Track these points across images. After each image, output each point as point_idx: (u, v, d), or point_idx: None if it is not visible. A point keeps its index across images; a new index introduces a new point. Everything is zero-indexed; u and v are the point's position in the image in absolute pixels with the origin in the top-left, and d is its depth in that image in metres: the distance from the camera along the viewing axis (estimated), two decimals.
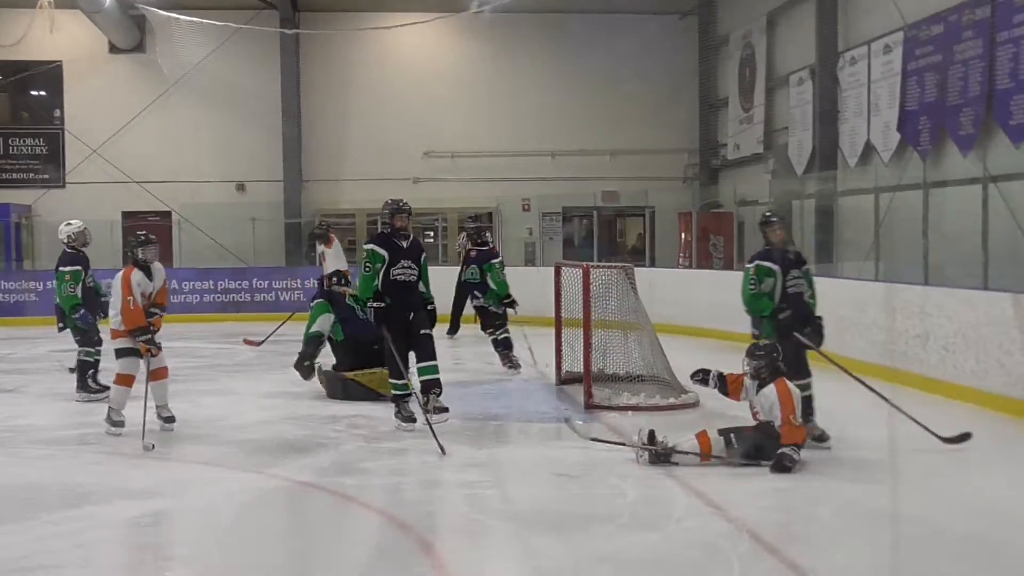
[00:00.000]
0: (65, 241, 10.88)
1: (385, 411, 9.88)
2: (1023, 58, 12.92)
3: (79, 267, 10.68)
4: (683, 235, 21.70)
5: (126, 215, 22.85)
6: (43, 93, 23.36)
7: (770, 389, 7.40)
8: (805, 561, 5.36)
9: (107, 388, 9.80)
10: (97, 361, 10.79)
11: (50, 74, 23.06)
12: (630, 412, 9.50)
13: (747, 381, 7.72)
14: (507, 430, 9.17)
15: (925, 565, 5.46)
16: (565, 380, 11.10)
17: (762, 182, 20.48)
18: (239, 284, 20.52)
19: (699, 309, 15.72)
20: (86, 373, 10.72)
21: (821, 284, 13.88)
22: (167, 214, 22.90)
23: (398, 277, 8.87)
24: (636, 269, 11.13)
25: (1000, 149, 13.29)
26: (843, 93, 17.33)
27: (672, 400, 9.79)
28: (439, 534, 5.98)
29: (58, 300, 10.81)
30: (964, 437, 7.73)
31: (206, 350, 15.34)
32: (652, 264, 21.23)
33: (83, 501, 7.07)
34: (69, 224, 11.07)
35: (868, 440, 8.51)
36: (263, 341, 14.84)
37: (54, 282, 11.02)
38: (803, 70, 18.63)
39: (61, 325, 10.95)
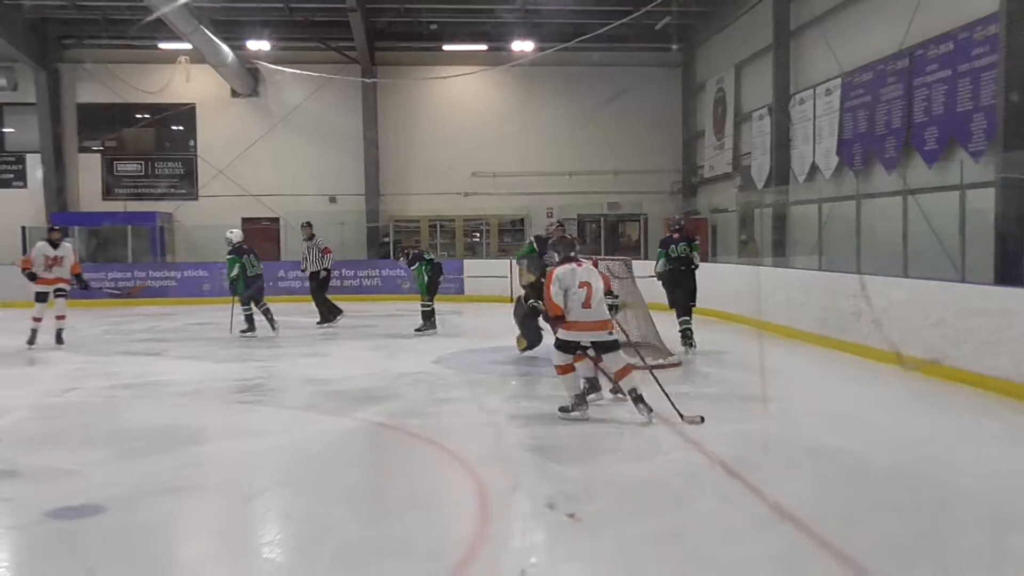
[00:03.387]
0: (231, 239, 13.46)
1: (441, 369, 9.92)
2: (934, 98, 12.79)
3: (234, 256, 13.30)
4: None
5: (244, 220, 22.91)
6: (181, 128, 23.45)
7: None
8: (763, 486, 5.31)
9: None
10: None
11: (186, 113, 23.18)
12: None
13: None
14: (535, 385, 9.15)
15: (855, 489, 5.40)
16: None
17: (730, 195, 20.36)
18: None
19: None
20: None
21: (776, 274, 13.89)
22: (275, 220, 22.98)
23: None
24: (633, 261, 11.05)
25: (917, 169, 13.18)
26: (794, 125, 17.17)
27: (660, 360, 9.72)
28: (480, 462, 5.95)
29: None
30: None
31: (303, 323, 15.40)
32: (646, 257, 21.09)
33: (209, 438, 7.13)
34: (232, 232, 13.74)
35: (811, 393, 8.44)
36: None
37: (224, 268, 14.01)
38: (763, 108, 18.46)
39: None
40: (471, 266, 20.41)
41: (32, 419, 7.63)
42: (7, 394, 8.64)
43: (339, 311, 14.73)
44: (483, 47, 22.44)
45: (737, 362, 10.45)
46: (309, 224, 15.17)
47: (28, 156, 22.79)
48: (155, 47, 21.52)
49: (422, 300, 13.49)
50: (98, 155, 23.22)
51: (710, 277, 15.75)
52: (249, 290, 13.43)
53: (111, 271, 20.16)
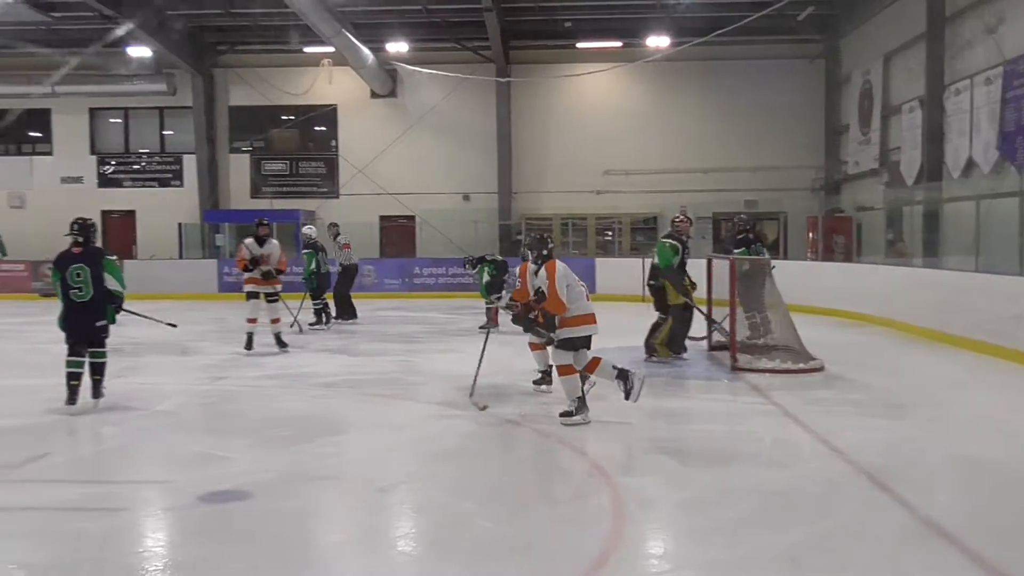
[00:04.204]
0: (309, 235, 14.00)
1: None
2: None
3: (311, 251, 13.87)
4: (810, 235, 20.95)
5: (382, 218, 23.60)
6: (323, 128, 24.23)
7: (543, 271, 7.14)
8: (912, 498, 5.05)
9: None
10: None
11: (328, 114, 23.93)
12: (767, 374, 9.18)
13: (529, 267, 7.48)
14: (668, 385, 9.00)
15: (1010, 503, 5.07)
16: (714, 348, 10.79)
17: (877, 192, 19.51)
18: (463, 270, 20.82)
19: (824, 292, 15.09)
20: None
21: (926, 275, 13.26)
22: (411, 217, 23.46)
23: None
24: (772, 261, 10.73)
25: None
26: (948, 118, 16.28)
27: (801, 365, 9.40)
28: (613, 463, 5.90)
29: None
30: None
31: (438, 319, 15.67)
32: (785, 257, 20.50)
33: (347, 429, 7.32)
34: (309, 228, 14.39)
35: (962, 401, 7.99)
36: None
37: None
38: (913, 100, 17.58)
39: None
40: (603, 264, 20.31)
41: (185, 406, 8.03)
42: (163, 381, 9.12)
43: (354, 314, 14.87)
44: (617, 43, 22.25)
45: (882, 367, 10.00)
46: (335, 224, 15.80)
47: (184, 157, 24.05)
48: (300, 51, 22.30)
49: (485, 299, 13.43)
50: (247, 155, 24.26)
51: (853, 278, 15.22)
52: (319, 286, 14.03)
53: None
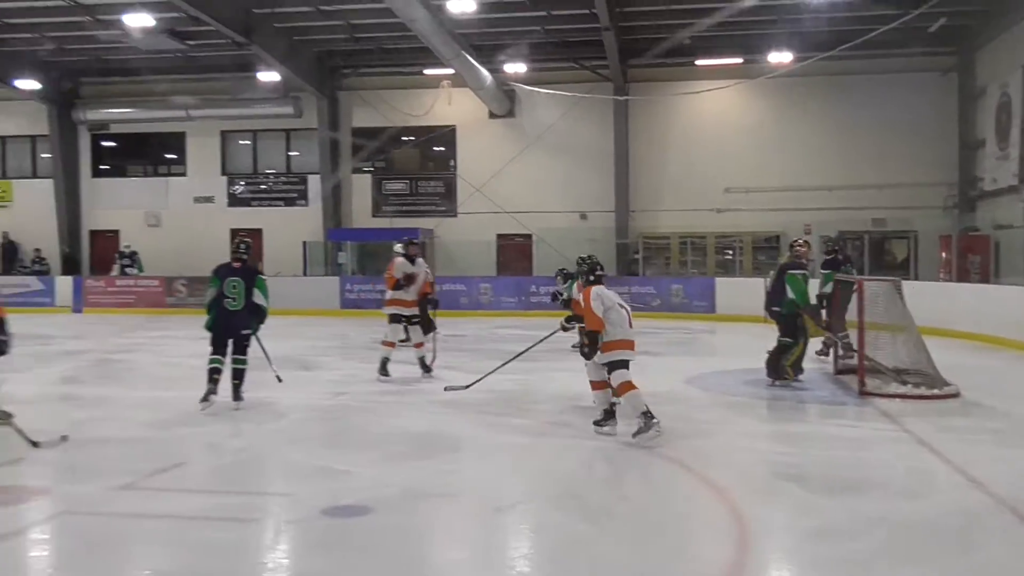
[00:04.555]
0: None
1: (693, 389, 9.70)
2: None
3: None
4: (943, 254, 20.08)
5: (499, 236, 23.81)
6: (442, 148, 24.64)
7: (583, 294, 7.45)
8: None
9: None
10: None
11: (447, 135, 24.32)
12: (898, 399, 8.80)
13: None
14: (793, 409, 8.73)
15: None
16: (841, 371, 10.42)
17: (1016, 209, 18.52)
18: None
19: (958, 315, 14.40)
20: None
21: None
22: (528, 236, 23.57)
23: None
24: (902, 282, 10.31)
25: None
26: None
27: (935, 391, 8.97)
28: (736, 488, 5.74)
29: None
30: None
31: (554, 337, 15.61)
32: (916, 278, 19.71)
33: (465, 447, 7.36)
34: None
35: None
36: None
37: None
38: None
39: None
40: (723, 284, 19.94)
41: (308, 420, 8.24)
42: (286, 396, 9.38)
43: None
44: (738, 60, 21.89)
45: (1023, 394, 9.46)
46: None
47: (309, 177, 24.84)
48: (421, 73, 22.77)
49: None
50: (369, 175, 24.87)
51: (991, 300, 14.47)
52: None
53: (378, 283, 21.39)
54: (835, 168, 22.02)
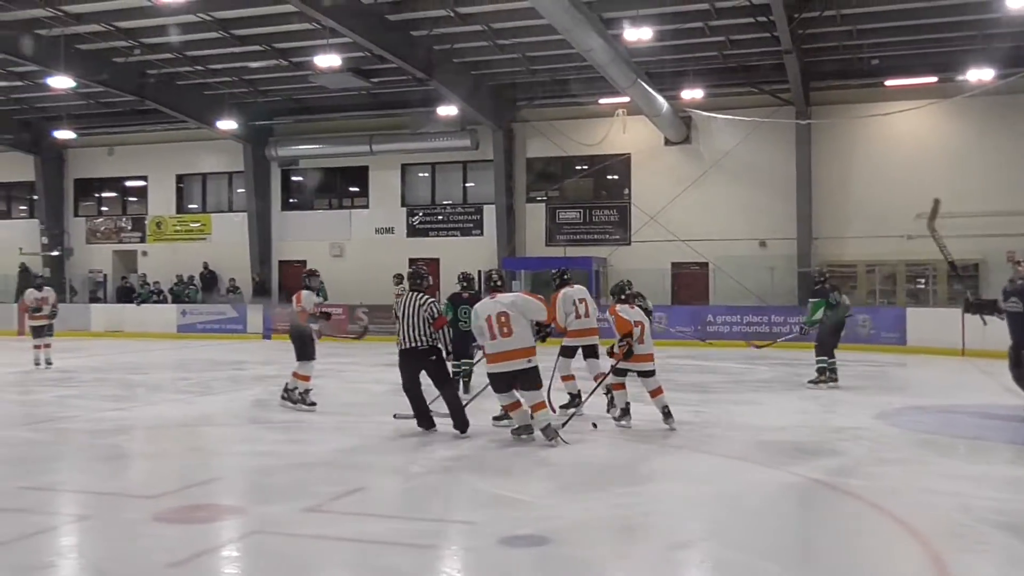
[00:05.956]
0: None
1: (884, 426, 9.22)
2: None
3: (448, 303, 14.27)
4: None
5: (674, 265, 23.55)
6: (616, 176, 24.66)
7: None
8: None
9: None
10: None
11: (622, 163, 24.33)
12: None
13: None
14: (1000, 450, 8.12)
15: None
16: None
17: None
18: (760, 318, 20.31)
19: None
20: None
21: None
22: (704, 264, 23.19)
23: None
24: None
25: None
26: None
27: None
28: (936, 535, 5.38)
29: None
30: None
31: (733, 368, 15.27)
32: None
33: (642, 479, 7.25)
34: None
35: None
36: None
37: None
38: None
39: None
40: (915, 315, 18.92)
41: (484, 449, 8.35)
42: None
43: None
44: (932, 79, 20.83)
45: None
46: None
47: (485, 207, 25.46)
48: (595, 103, 22.94)
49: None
50: (542, 204, 25.21)
51: None
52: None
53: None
54: None
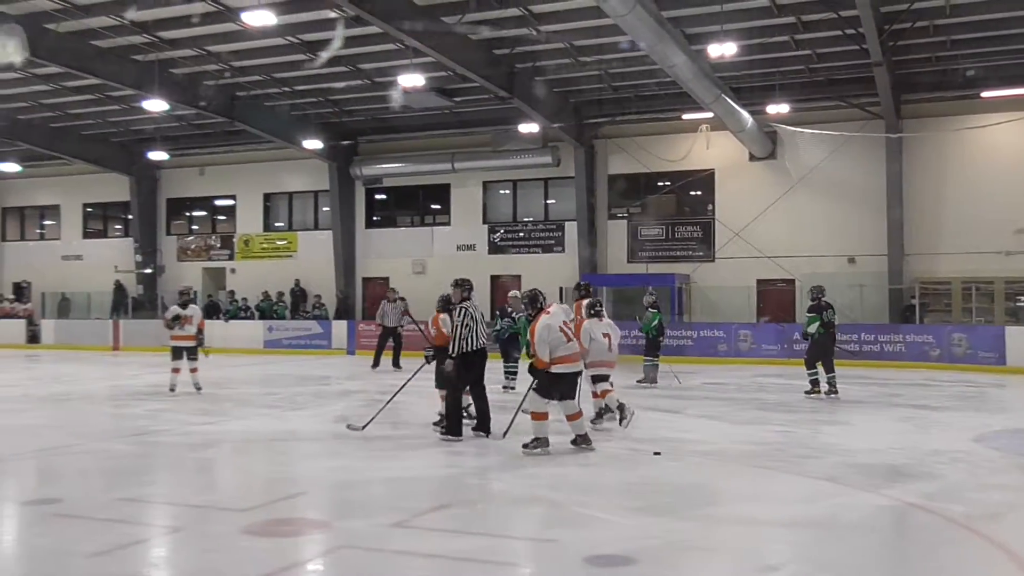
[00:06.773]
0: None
1: (984, 448, 8.89)
2: None
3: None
4: None
5: (759, 282, 23.16)
6: (699, 192, 24.38)
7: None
8: None
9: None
10: None
11: (705, 179, 24.06)
12: None
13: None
14: None
15: None
16: None
17: None
18: (849, 336, 19.79)
19: None
20: None
21: None
22: (791, 281, 22.72)
23: None
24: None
25: None
26: None
27: None
28: None
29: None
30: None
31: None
32: None
33: (729, 501, 7.13)
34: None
35: None
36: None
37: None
38: None
39: None
40: (1015, 333, 18.24)
41: (569, 466, 8.31)
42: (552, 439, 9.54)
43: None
44: None
45: None
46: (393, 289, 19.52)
47: (566, 224, 25.43)
48: (678, 118, 22.77)
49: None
50: (624, 221, 25.06)
51: None
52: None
53: (633, 328, 21.40)
54: None
